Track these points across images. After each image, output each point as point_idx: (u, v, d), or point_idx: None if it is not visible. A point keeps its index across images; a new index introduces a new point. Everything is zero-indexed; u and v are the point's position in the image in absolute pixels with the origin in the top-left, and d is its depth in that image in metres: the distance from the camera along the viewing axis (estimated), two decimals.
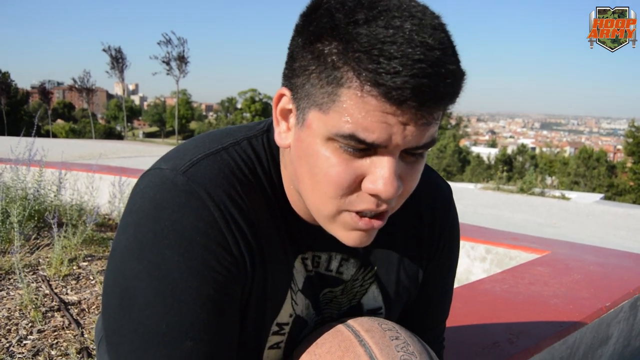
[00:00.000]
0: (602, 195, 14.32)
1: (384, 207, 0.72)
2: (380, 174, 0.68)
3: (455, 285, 1.14)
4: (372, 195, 0.70)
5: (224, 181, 0.76)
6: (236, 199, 0.76)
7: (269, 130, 0.85)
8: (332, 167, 0.69)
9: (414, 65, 0.61)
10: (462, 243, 3.30)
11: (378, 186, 0.68)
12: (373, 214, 0.73)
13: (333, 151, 0.68)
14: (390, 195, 0.68)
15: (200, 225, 0.72)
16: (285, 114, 0.76)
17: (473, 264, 3.32)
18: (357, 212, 0.73)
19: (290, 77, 0.72)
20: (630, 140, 34.28)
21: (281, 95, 0.75)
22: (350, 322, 0.90)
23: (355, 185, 0.70)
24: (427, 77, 0.62)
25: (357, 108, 0.64)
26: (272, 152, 0.83)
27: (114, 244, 0.76)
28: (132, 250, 0.72)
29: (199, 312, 0.71)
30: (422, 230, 0.97)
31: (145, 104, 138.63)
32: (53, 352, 2.23)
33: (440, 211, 0.98)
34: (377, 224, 0.74)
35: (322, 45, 0.67)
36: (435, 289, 1.03)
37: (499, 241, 3.30)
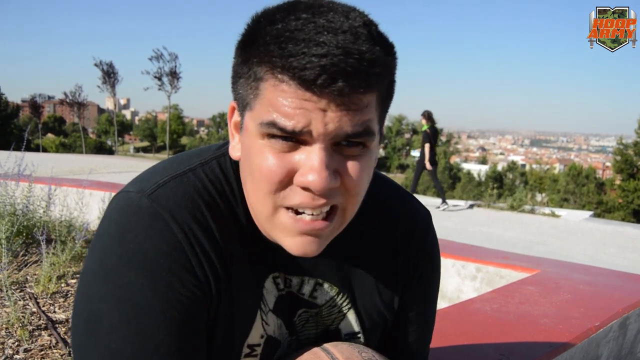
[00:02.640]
0: (591, 212, 14.40)
1: (321, 201, 0.71)
2: (308, 165, 0.68)
3: (446, 304, 1.14)
4: (304, 188, 0.70)
5: (189, 203, 0.76)
6: (201, 221, 0.76)
7: None
8: (264, 161, 0.70)
9: (318, 46, 0.63)
10: (452, 262, 3.30)
11: (307, 177, 0.68)
12: (313, 214, 0.72)
13: (266, 146, 0.70)
14: (321, 186, 0.68)
15: (164, 247, 0.72)
16: (238, 127, 0.78)
17: (464, 283, 3.32)
18: (295, 211, 0.72)
19: (233, 89, 0.76)
20: (619, 157, 34.61)
21: (232, 109, 0.78)
22: (330, 348, 0.88)
23: (287, 180, 0.71)
24: (334, 57, 0.63)
25: (274, 97, 0.66)
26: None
27: (83, 267, 0.76)
28: (97, 273, 0.73)
29: (164, 335, 0.71)
30: (397, 256, 0.95)
31: (137, 118, 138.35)
32: None
33: (417, 238, 0.97)
34: (320, 225, 0.73)
35: (247, 52, 0.70)
36: (416, 315, 1.00)
37: (489, 260, 3.31)
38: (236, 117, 0.78)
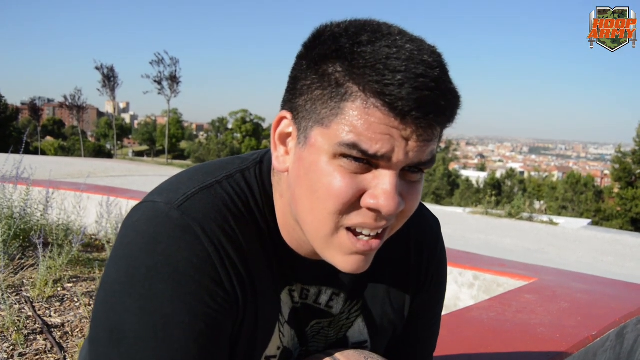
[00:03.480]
0: (589, 220, 14.41)
1: (383, 223, 0.72)
2: (382, 188, 0.69)
3: (443, 312, 1.13)
4: (372, 210, 0.71)
5: (218, 215, 0.76)
6: (229, 233, 0.76)
7: (261, 161, 0.86)
8: (334, 180, 0.70)
9: (417, 79, 0.64)
10: (450, 269, 3.30)
11: (379, 201, 0.69)
12: (370, 234, 0.73)
13: (337, 167, 0.69)
14: (391, 210, 0.69)
15: (194, 260, 0.72)
16: (284, 138, 0.77)
17: (461, 290, 3.32)
18: (354, 232, 0.73)
19: (292, 99, 0.74)
20: (617, 166, 34.67)
21: (281, 119, 0.77)
22: (337, 355, 0.89)
23: (355, 200, 0.71)
24: (430, 90, 0.65)
25: (360, 120, 0.66)
26: (264, 184, 0.84)
27: (105, 275, 0.75)
28: (124, 283, 0.71)
29: (191, 348, 0.71)
30: (408, 264, 0.97)
31: (136, 122, 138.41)
32: None
33: (428, 246, 0.99)
34: (375, 244, 0.74)
35: (326, 66, 0.69)
36: (423, 323, 1.02)
37: (487, 267, 3.31)
38: (286, 127, 0.76)
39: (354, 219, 0.72)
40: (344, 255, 0.75)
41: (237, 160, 0.87)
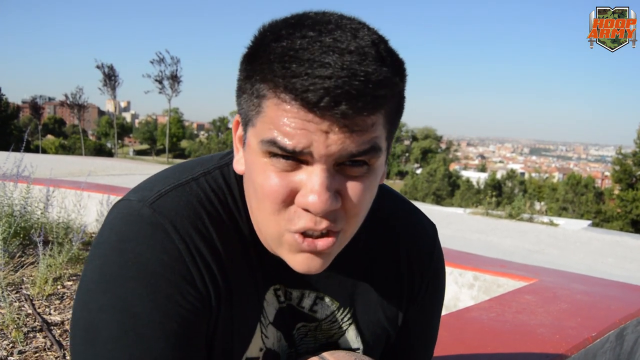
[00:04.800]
0: (589, 222, 14.41)
1: (323, 224, 0.69)
2: (309, 186, 0.67)
3: (443, 312, 1.12)
4: (305, 210, 0.69)
5: (191, 213, 0.75)
6: (203, 231, 0.75)
7: None
8: (267, 179, 0.69)
9: (324, 68, 0.61)
10: (450, 270, 3.30)
11: (308, 199, 0.67)
12: (317, 234, 0.71)
13: (268, 165, 0.69)
14: (320, 208, 0.66)
15: (165, 258, 0.71)
16: (242, 141, 0.77)
17: (461, 291, 3.31)
18: (301, 233, 0.71)
19: (237, 103, 0.74)
20: (618, 167, 34.65)
21: (237, 123, 0.78)
22: (327, 356, 0.87)
23: (290, 199, 0.69)
24: (338, 79, 0.61)
25: (276, 115, 0.65)
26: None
27: (82, 274, 0.75)
28: (97, 282, 0.72)
29: (163, 347, 0.70)
30: (401, 272, 0.93)
31: (137, 121, 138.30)
32: None
33: (423, 254, 0.95)
34: (321, 244, 0.71)
35: (250, 66, 0.69)
36: (419, 331, 0.99)
37: (487, 268, 3.31)
38: (240, 131, 0.77)
39: (295, 223, 0.70)
40: (294, 254, 0.74)
41: (216, 157, 0.86)
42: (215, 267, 0.75)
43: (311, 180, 0.67)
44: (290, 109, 0.64)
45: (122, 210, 0.75)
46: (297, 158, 0.67)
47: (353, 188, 0.70)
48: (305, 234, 0.71)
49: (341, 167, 0.68)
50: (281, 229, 0.72)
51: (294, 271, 0.78)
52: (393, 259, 0.93)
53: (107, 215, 0.77)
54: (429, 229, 0.98)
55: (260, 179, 0.69)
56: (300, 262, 0.74)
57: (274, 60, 0.64)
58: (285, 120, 0.64)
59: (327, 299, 0.89)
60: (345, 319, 0.91)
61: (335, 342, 0.92)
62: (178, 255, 0.72)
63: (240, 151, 0.78)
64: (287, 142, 0.65)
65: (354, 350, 0.93)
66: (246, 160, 0.74)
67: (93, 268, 0.73)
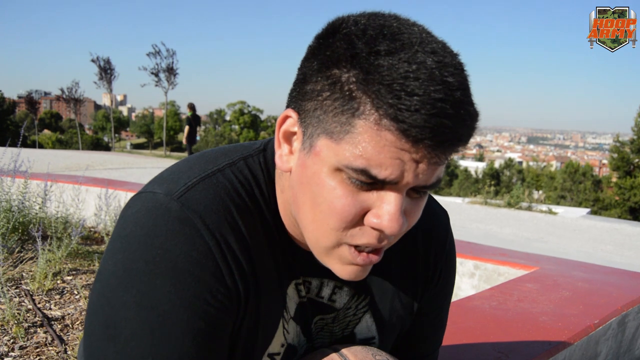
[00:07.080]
0: (588, 209, 14.44)
1: (385, 242, 0.71)
2: (386, 209, 0.66)
3: None
4: (375, 229, 0.68)
5: (220, 206, 0.73)
6: (232, 225, 0.73)
7: (265, 149, 0.83)
8: (337, 198, 0.67)
9: (435, 104, 0.60)
10: None
11: (383, 221, 0.66)
12: (371, 249, 0.72)
13: (340, 182, 0.66)
14: (395, 231, 0.67)
15: (194, 254, 0.69)
16: (289, 137, 0.73)
17: (462, 280, 3.31)
18: (356, 247, 0.71)
19: (300, 99, 0.70)
20: (615, 155, 34.64)
21: (286, 117, 0.73)
22: (344, 350, 0.86)
23: (358, 219, 0.68)
24: (447, 118, 0.60)
25: (371, 142, 0.62)
26: (270, 172, 0.81)
27: (101, 267, 0.72)
28: (120, 277, 0.69)
29: (188, 346, 0.68)
30: (416, 259, 0.94)
31: (134, 115, 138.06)
32: None
33: (437, 241, 0.96)
34: (375, 258, 0.73)
35: (339, 71, 0.64)
36: (431, 318, 1.00)
37: (487, 257, 3.30)
38: (291, 126, 0.72)
39: (358, 238, 0.70)
40: (343, 264, 0.73)
41: (239, 147, 0.83)
42: (245, 262, 0.73)
43: (390, 205, 0.66)
44: (390, 137, 0.61)
45: (146, 204, 0.72)
46: (377, 182, 0.66)
47: (414, 209, 0.71)
48: (359, 247, 0.71)
49: (408, 191, 0.69)
50: (339, 242, 0.71)
51: (314, 260, 0.78)
52: (409, 246, 0.93)
53: (128, 207, 0.74)
54: (442, 215, 0.99)
55: (330, 195, 0.67)
56: (349, 272, 0.74)
57: (379, 82, 0.61)
58: (382, 148, 0.62)
59: (345, 288, 0.89)
60: (360, 306, 0.91)
61: (351, 333, 0.91)
62: (208, 251, 0.70)
63: (285, 147, 0.74)
64: (380, 172, 0.63)
65: (370, 338, 0.93)
66: (303, 164, 0.70)
67: (115, 262, 0.70)
